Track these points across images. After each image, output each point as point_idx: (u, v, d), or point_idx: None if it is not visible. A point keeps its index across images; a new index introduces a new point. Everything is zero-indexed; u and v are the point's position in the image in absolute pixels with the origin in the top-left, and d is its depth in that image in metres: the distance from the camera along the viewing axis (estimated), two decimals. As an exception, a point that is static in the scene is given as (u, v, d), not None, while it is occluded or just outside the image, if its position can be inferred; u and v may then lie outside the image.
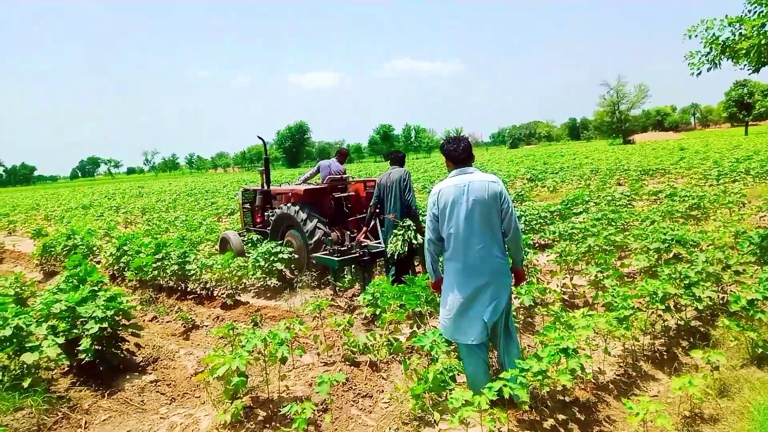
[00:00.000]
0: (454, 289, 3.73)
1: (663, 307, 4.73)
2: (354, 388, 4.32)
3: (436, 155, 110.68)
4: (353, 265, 7.60)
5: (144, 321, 6.88)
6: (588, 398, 3.97)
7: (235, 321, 6.36)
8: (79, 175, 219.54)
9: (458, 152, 3.78)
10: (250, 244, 9.26)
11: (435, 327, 4.67)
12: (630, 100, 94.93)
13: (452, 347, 4.20)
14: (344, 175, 9.08)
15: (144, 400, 4.71)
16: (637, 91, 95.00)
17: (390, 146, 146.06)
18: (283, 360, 4.03)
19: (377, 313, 5.36)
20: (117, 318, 5.16)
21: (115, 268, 9.17)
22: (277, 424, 3.70)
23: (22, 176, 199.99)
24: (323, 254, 7.42)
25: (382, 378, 4.57)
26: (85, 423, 4.38)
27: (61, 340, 4.79)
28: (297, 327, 4.47)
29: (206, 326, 6.60)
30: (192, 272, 7.68)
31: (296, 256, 8.16)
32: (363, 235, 7.57)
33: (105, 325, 4.99)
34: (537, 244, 9.48)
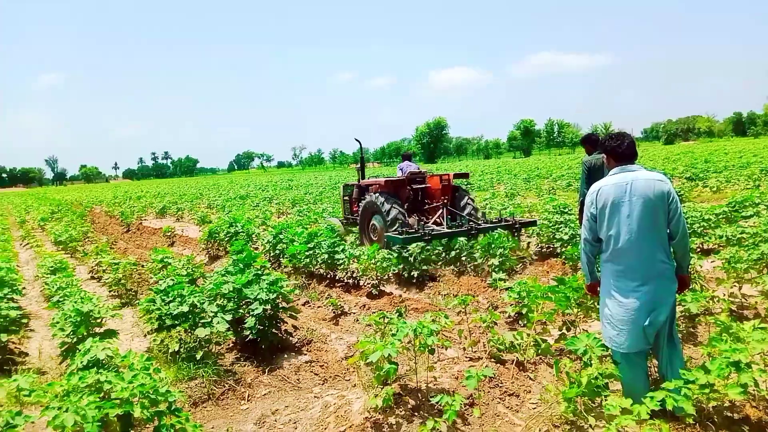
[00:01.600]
0: (613, 293, 3.57)
1: None
2: (500, 385, 4.30)
3: (580, 151, 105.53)
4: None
5: (298, 305, 7.36)
6: (760, 417, 3.61)
7: (380, 310, 6.59)
8: (235, 167, 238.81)
9: (622, 149, 3.60)
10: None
11: (585, 330, 4.50)
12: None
13: (607, 352, 4.02)
14: (423, 171, 10.76)
15: (299, 379, 5.06)
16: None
17: (531, 142, 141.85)
18: (432, 351, 4.12)
19: (523, 312, 5.28)
20: (277, 301, 5.58)
21: (272, 254, 9.89)
22: (426, 413, 3.80)
23: (186, 168, 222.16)
24: (393, 233, 8.66)
25: (529, 378, 4.50)
26: (248, 396, 4.80)
27: (228, 317, 5.29)
28: (442, 320, 4.54)
29: (353, 313, 6.91)
30: (341, 262, 8.09)
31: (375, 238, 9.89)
32: (432, 221, 9.53)
33: (267, 306, 5.42)
34: (700, 249, 8.72)
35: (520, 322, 5.72)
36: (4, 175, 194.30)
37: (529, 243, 9.93)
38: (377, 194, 9.98)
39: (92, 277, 10.67)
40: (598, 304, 4.64)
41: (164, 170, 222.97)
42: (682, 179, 21.95)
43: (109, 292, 9.00)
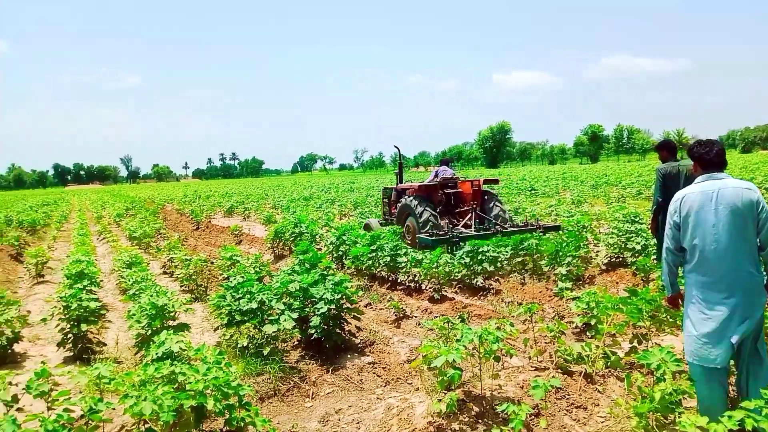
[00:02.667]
0: (697, 305, 3.42)
1: None
2: (567, 397, 4.20)
3: (651, 158, 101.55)
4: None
5: (360, 306, 7.43)
6: None
7: (442, 315, 6.55)
8: (299, 169, 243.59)
9: (710, 156, 3.45)
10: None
11: (658, 344, 4.32)
12: None
13: (681, 368, 3.85)
14: (456, 177, 11.44)
15: (362, 380, 5.10)
16: None
17: (598, 147, 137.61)
18: (497, 359, 4.06)
19: (591, 323, 5.13)
20: (341, 301, 5.65)
21: (335, 255, 10.03)
22: (490, 421, 3.75)
23: (252, 169, 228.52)
24: (423, 235, 9.44)
25: (598, 391, 4.36)
26: (313, 394, 4.88)
27: (294, 315, 5.40)
28: (507, 328, 4.47)
29: (415, 317, 6.91)
30: (402, 265, 8.10)
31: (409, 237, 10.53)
32: (462, 224, 10.32)
33: (332, 306, 5.50)
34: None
35: (587, 333, 5.56)
36: (82, 173, 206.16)
37: (597, 252, 9.64)
38: (411, 197, 10.79)
39: (164, 272, 11.14)
40: (673, 318, 4.46)
41: (231, 171, 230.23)
42: (761, 189, 20.76)
43: (181, 287, 9.37)
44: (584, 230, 9.97)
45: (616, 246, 8.59)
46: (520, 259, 8.24)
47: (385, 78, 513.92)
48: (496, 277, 8.20)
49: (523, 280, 8.15)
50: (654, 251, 7.56)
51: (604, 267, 8.77)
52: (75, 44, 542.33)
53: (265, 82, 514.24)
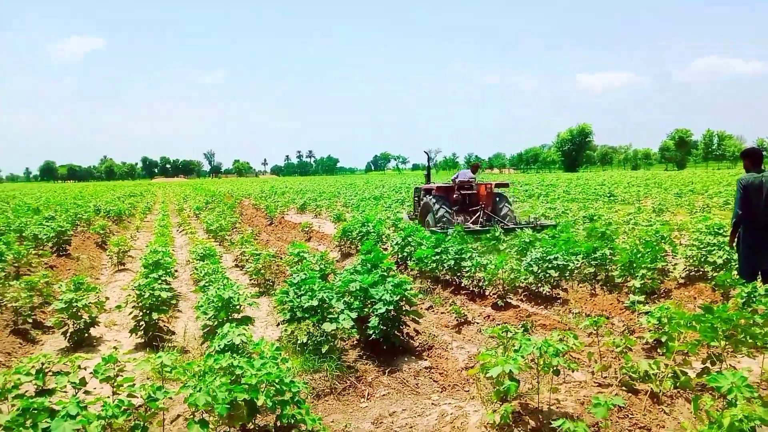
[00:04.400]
0: None
1: None
2: (630, 416, 3.98)
3: (742, 166, 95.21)
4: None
5: (422, 309, 7.38)
6: None
7: (505, 323, 6.41)
8: (372, 168, 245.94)
9: None
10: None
11: (732, 367, 4.03)
12: None
13: (755, 394, 3.57)
14: (471, 180, 13.27)
15: (418, 384, 5.06)
16: None
17: (686, 153, 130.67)
18: (557, 372, 3.92)
19: (663, 340, 4.85)
20: (401, 303, 5.63)
21: (399, 256, 10.03)
22: (545, 437, 3.62)
23: (327, 167, 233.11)
24: (436, 229, 11.30)
25: (664, 412, 4.12)
26: (368, 394, 4.89)
27: (353, 315, 5.44)
28: (571, 341, 4.30)
29: (477, 323, 6.79)
30: (467, 269, 7.99)
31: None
32: (471, 221, 12.40)
33: (390, 307, 5.49)
34: None
35: (658, 350, 5.28)
36: (168, 166, 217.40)
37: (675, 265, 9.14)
38: (431, 197, 12.79)
39: (236, 265, 11.53)
40: (752, 338, 4.14)
41: (307, 168, 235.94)
42: None
43: (250, 280, 9.66)
44: (662, 241, 9.47)
45: (695, 259, 8.11)
46: (591, 270, 7.94)
47: (469, 76, 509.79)
48: (565, 286, 7.92)
49: (593, 291, 7.84)
50: (736, 265, 7.07)
51: (681, 280, 8.30)
52: (164, 43, 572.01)
53: (344, 81, 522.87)
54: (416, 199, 14.98)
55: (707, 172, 78.54)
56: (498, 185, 13.49)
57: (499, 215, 12.66)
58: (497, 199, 13.02)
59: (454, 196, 13.02)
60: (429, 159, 16.01)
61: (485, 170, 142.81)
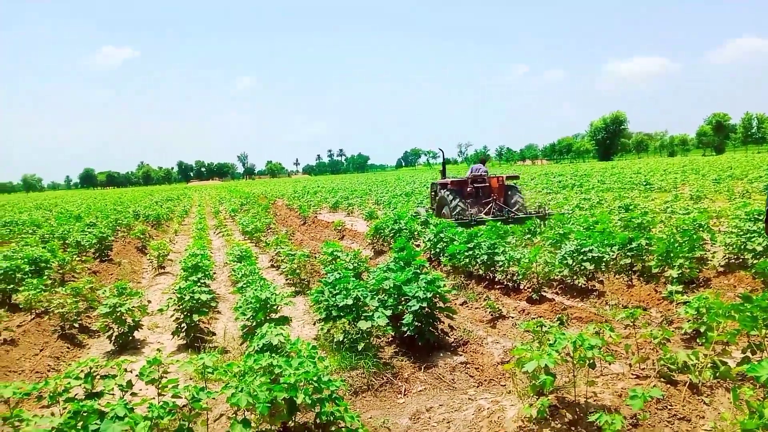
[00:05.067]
0: None
1: None
2: (669, 407, 3.95)
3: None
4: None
5: (455, 304, 7.41)
6: None
7: (540, 316, 6.39)
8: (403, 164, 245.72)
9: None
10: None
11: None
12: None
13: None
14: (484, 174, 14.25)
15: (454, 379, 5.10)
16: None
17: (724, 138, 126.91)
18: (592, 365, 3.92)
19: (701, 330, 4.79)
20: (434, 299, 5.68)
21: (432, 252, 10.06)
22: (583, 429, 3.63)
23: (358, 164, 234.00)
24: (449, 219, 12.25)
25: (704, 403, 4.07)
26: (404, 390, 4.95)
27: (388, 312, 5.50)
28: (607, 333, 4.29)
29: (512, 317, 6.78)
30: (500, 263, 7.97)
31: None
32: (484, 212, 13.37)
33: (424, 304, 5.54)
34: None
35: (697, 340, 5.20)
36: (203, 169, 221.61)
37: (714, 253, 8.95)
38: (446, 191, 13.85)
39: (272, 266, 11.73)
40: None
41: (338, 166, 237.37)
42: None
43: (286, 280, 9.82)
44: (701, 229, 9.28)
45: (734, 246, 7.92)
46: (627, 261, 7.83)
47: (492, 69, 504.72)
48: (600, 278, 7.84)
49: (630, 282, 7.74)
50: None
51: (721, 269, 8.12)
52: (197, 51, 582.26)
53: (372, 79, 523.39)
54: (432, 193, 15.99)
55: (747, 156, 76.11)
56: (509, 178, 14.63)
57: (510, 205, 13.75)
58: (509, 191, 14.04)
59: (468, 189, 13.95)
60: (444, 156, 17.08)
61: (518, 162, 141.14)
